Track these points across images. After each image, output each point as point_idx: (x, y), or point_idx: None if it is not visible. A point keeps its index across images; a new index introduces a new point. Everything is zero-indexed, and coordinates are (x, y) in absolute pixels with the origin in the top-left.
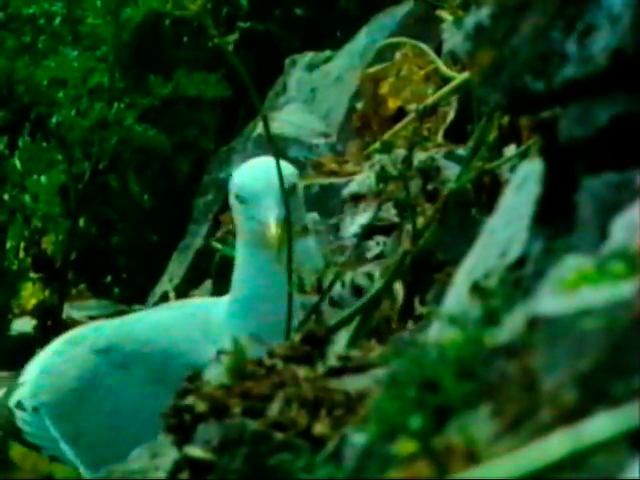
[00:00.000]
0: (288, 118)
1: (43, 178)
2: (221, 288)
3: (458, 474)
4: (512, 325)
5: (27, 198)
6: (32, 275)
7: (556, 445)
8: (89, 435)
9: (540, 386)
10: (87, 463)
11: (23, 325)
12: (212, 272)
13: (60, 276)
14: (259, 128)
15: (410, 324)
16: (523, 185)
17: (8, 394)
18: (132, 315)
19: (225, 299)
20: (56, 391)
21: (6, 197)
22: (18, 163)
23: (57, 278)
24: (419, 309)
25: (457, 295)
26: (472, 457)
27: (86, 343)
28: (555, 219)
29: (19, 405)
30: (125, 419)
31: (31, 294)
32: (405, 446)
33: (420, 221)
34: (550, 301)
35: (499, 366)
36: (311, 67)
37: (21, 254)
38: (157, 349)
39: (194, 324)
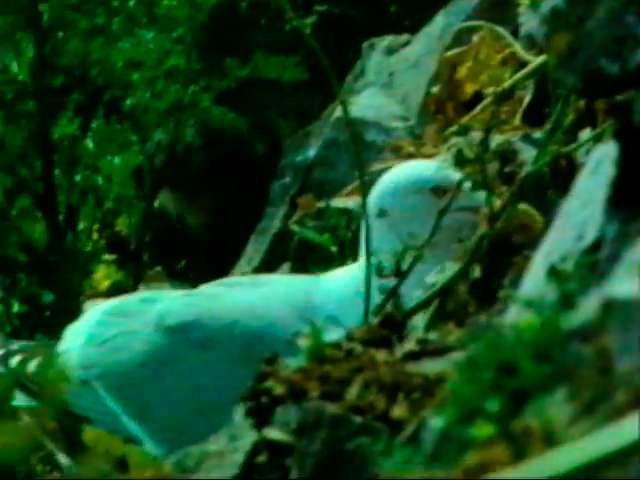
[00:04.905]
0: (366, 102)
1: (117, 160)
2: (299, 271)
3: (536, 457)
4: (588, 308)
5: (100, 180)
6: (106, 257)
7: (631, 427)
8: (163, 413)
9: (615, 369)
10: (159, 440)
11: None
12: (290, 255)
13: (134, 258)
14: (337, 111)
15: (487, 307)
16: (598, 168)
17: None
18: (198, 291)
19: (330, 279)
20: (116, 365)
21: (78, 178)
22: (91, 144)
23: (131, 260)
24: (497, 293)
25: (534, 278)
26: (549, 440)
27: (145, 317)
28: (630, 202)
29: None
30: (206, 399)
31: (105, 276)
32: (483, 429)
33: (497, 204)
34: (625, 284)
35: (575, 349)
36: (389, 51)
37: (94, 235)
38: (247, 330)
39: (292, 305)
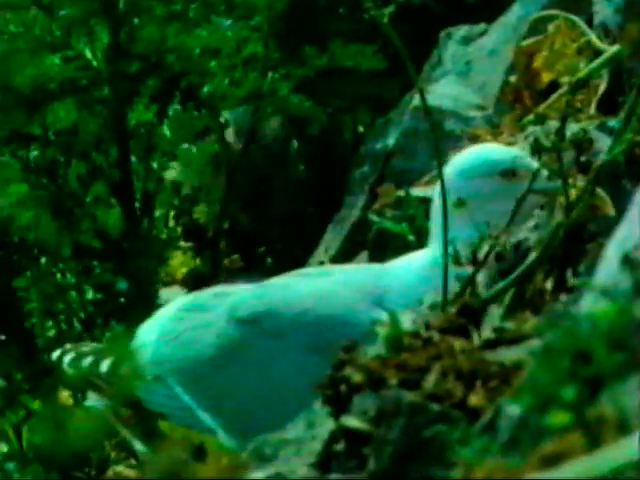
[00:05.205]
0: (444, 91)
1: (194, 147)
2: (377, 260)
3: (610, 444)
4: None
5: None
6: (182, 244)
7: None
8: (236, 404)
9: None
10: (233, 431)
11: (173, 294)
12: (368, 244)
13: (212, 245)
14: (415, 100)
15: (563, 296)
16: None
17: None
18: (269, 282)
19: (399, 266)
20: (189, 359)
21: (155, 165)
22: (168, 131)
23: (209, 247)
24: (572, 281)
25: (608, 267)
26: (623, 427)
27: (217, 310)
28: None
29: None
30: (279, 388)
31: (181, 263)
32: (558, 417)
33: (573, 193)
34: None
35: None
36: (466, 40)
37: (171, 223)
38: (319, 318)
39: (361, 292)
